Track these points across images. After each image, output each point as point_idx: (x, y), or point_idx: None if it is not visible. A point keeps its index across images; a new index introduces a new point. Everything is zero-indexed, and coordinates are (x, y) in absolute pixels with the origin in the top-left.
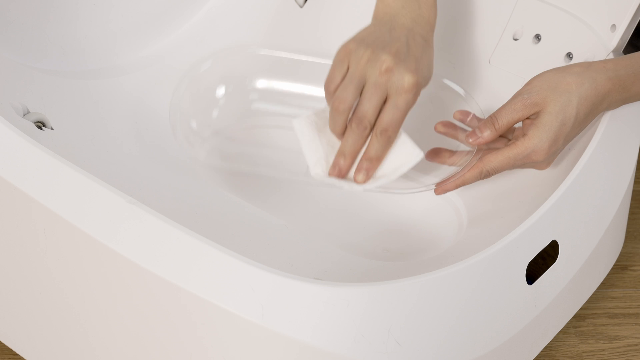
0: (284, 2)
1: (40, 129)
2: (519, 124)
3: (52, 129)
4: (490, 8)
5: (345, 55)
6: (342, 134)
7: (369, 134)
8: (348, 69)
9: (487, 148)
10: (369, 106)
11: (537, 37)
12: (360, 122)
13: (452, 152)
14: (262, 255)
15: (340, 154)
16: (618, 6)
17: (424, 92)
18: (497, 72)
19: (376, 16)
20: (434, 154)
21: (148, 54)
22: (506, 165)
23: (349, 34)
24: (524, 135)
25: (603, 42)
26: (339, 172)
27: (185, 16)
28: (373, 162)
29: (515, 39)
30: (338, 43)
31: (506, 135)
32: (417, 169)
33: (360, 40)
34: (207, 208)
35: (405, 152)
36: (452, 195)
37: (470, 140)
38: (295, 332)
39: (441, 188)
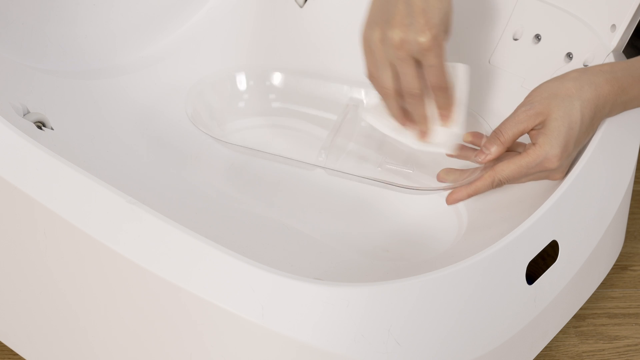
0: (284, 2)
1: (40, 129)
2: (525, 138)
3: (52, 129)
4: (490, 8)
5: (365, 43)
6: (400, 115)
7: (424, 96)
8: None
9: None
10: (408, 79)
11: (537, 37)
12: (412, 95)
13: (463, 171)
14: (262, 255)
15: (416, 123)
16: (618, 6)
17: None
18: (497, 72)
19: None
20: (445, 174)
21: (148, 54)
22: (518, 174)
23: (350, 33)
24: (534, 144)
25: (603, 42)
26: (424, 135)
27: (185, 16)
28: (449, 109)
29: (515, 39)
30: (339, 41)
31: (514, 149)
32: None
33: (370, 22)
34: (208, 208)
35: (458, 79)
36: None
37: (480, 159)
38: (295, 332)
39: (452, 197)
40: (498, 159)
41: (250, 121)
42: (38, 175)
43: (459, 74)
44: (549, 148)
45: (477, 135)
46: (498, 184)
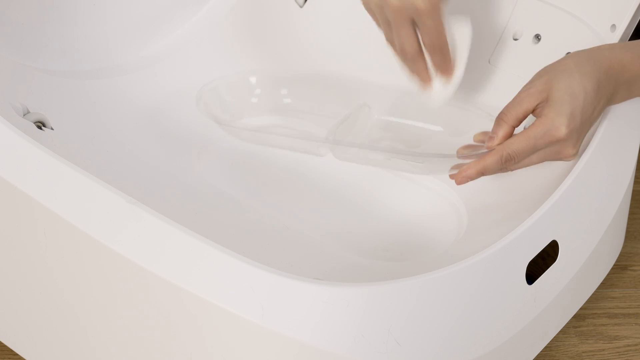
0: (284, 2)
1: (40, 129)
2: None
3: (52, 129)
4: (490, 8)
5: (366, 7)
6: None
7: (422, 53)
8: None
9: None
10: (404, 39)
11: (537, 37)
12: (406, 56)
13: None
14: (262, 255)
15: (413, 74)
16: (618, 6)
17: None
18: (497, 72)
19: None
20: (464, 149)
21: (148, 54)
22: (527, 147)
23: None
24: (540, 117)
25: (603, 42)
26: (425, 82)
27: (185, 16)
28: (447, 66)
29: (515, 39)
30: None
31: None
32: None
33: None
34: (208, 208)
35: (459, 34)
36: (452, 195)
37: (489, 145)
38: (295, 332)
39: (462, 175)
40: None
41: (261, 119)
42: (38, 175)
43: (460, 29)
44: (554, 115)
45: (487, 135)
46: (507, 158)
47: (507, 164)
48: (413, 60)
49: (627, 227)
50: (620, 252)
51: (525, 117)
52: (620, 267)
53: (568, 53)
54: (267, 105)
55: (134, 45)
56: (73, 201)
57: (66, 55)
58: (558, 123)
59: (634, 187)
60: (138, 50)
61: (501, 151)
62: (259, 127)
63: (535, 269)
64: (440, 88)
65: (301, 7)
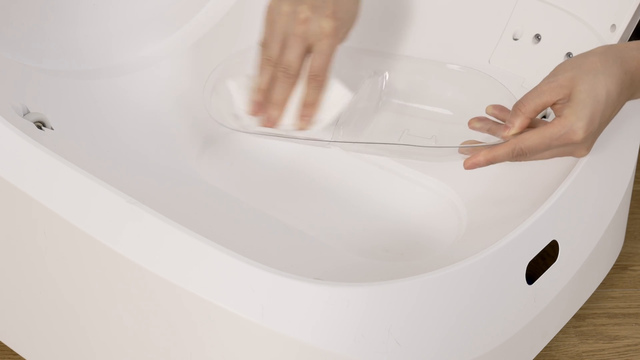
0: None
1: (40, 129)
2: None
3: (52, 129)
4: (490, 8)
5: (270, 13)
6: (261, 92)
7: (295, 83)
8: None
9: None
10: (291, 55)
11: (537, 37)
12: (286, 71)
13: (497, 125)
14: (262, 255)
15: (271, 105)
16: (618, 6)
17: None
18: (497, 72)
19: None
20: (477, 121)
21: (148, 54)
22: (541, 145)
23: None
24: (559, 116)
25: (603, 42)
26: (270, 121)
27: (184, 16)
28: (310, 108)
29: (515, 39)
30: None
31: (536, 125)
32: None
33: None
34: (207, 208)
35: (336, 94)
36: (453, 195)
37: (504, 134)
38: (295, 332)
39: (471, 161)
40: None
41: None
42: (38, 175)
43: (340, 93)
44: (574, 119)
45: (500, 109)
46: (519, 152)
47: (518, 157)
48: (284, 87)
49: (627, 227)
50: (620, 252)
51: (543, 110)
52: (620, 267)
53: (569, 53)
54: None
55: (134, 45)
56: (73, 201)
57: (66, 55)
58: (577, 127)
59: (634, 187)
60: (138, 50)
61: (514, 145)
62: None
63: (535, 269)
64: (286, 122)
65: None
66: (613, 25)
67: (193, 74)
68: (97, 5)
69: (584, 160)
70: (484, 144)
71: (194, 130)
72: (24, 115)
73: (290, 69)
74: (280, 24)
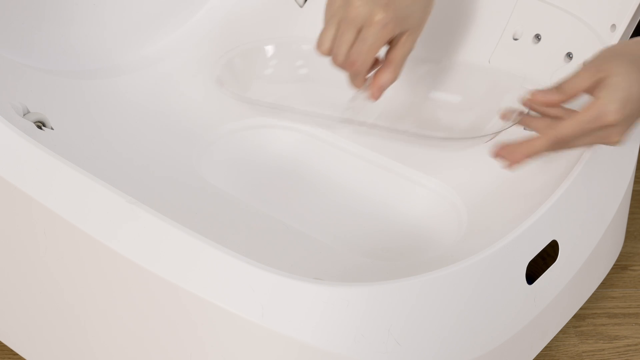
0: (284, 1)
1: (40, 128)
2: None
3: (52, 128)
4: (490, 8)
5: (326, 10)
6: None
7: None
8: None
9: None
10: (340, 42)
11: (537, 37)
12: (336, 59)
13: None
14: (262, 255)
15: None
16: (618, 6)
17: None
18: (497, 72)
19: None
20: (508, 111)
21: (148, 54)
22: (578, 130)
23: None
24: (594, 100)
25: (603, 42)
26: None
27: (184, 16)
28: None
29: (515, 39)
30: None
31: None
32: None
33: None
34: (207, 208)
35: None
36: (453, 195)
37: (535, 97)
38: (295, 332)
39: (511, 159)
40: (557, 120)
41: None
42: (38, 175)
43: None
44: (607, 101)
45: (537, 95)
46: (557, 142)
47: (557, 146)
48: (334, 65)
49: (627, 227)
50: (620, 252)
51: (580, 92)
52: (620, 267)
53: (569, 53)
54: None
55: (133, 45)
56: (73, 201)
57: (66, 55)
58: (610, 109)
59: (634, 187)
60: (138, 50)
61: (551, 134)
62: (277, 97)
63: (535, 269)
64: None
65: (301, 7)
66: (613, 25)
67: (193, 73)
68: (97, 5)
69: (584, 161)
70: (514, 141)
71: (194, 130)
72: (23, 115)
73: (338, 56)
74: (336, 14)
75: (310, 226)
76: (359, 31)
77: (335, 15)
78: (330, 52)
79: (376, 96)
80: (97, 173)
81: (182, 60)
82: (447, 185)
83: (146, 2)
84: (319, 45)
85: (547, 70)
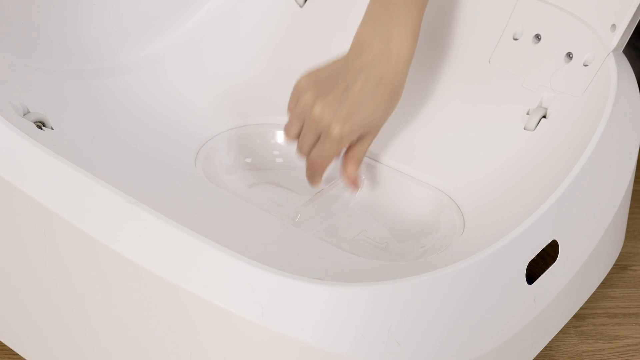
0: (284, 2)
1: (40, 128)
2: None
3: (52, 128)
4: (490, 8)
5: (296, 92)
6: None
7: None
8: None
9: None
10: (303, 139)
11: (537, 37)
12: (301, 150)
13: None
14: (262, 255)
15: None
16: (618, 6)
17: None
18: (497, 72)
19: (352, 45)
20: None
21: (148, 54)
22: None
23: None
24: None
25: (603, 42)
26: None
27: (185, 16)
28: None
29: (515, 39)
30: (339, 42)
31: None
32: None
33: (314, 80)
34: (207, 208)
35: None
36: (453, 194)
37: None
38: (296, 332)
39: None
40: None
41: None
42: (38, 175)
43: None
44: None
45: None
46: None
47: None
48: (299, 158)
49: (627, 227)
50: (620, 252)
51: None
52: (620, 267)
53: (569, 53)
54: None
55: (134, 45)
56: (73, 201)
57: (66, 55)
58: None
59: (634, 187)
60: (139, 50)
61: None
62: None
63: (535, 269)
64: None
65: (301, 7)
66: (613, 25)
67: (193, 73)
68: (97, 5)
69: (584, 160)
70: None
71: (194, 130)
72: (24, 115)
73: (301, 153)
74: (299, 109)
75: (310, 226)
76: (319, 136)
77: (301, 114)
78: (296, 139)
79: (357, 185)
80: (97, 173)
81: (183, 60)
82: (447, 184)
83: (146, 2)
84: (286, 133)
85: (547, 70)
